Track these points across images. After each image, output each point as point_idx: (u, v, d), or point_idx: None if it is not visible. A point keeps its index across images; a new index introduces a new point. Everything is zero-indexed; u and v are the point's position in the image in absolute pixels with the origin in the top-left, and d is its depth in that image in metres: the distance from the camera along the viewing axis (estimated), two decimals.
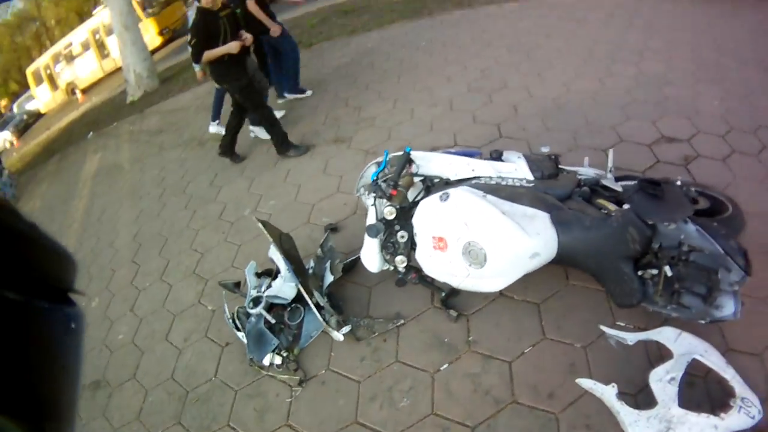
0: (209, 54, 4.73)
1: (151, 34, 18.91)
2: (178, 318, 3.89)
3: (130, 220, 6.01)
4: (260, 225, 3.13)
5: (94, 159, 9.61)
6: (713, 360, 2.33)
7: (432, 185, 2.97)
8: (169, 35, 19.90)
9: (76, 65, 22.01)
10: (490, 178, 2.89)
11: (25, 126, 24.38)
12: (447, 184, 2.91)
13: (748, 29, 6.55)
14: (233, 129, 5.65)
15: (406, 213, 2.89)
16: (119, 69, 14.19)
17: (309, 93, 7.13)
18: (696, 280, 2.43)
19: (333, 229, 3.88)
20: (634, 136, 4.30)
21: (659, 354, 2.44)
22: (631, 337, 2.57)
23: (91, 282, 5.06)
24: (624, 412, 2.25)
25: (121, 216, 6.28)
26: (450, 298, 3.02)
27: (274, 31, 6.09)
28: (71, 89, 22.41)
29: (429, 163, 3.08)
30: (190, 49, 4.89)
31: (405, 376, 2.78)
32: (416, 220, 2.78)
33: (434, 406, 2.61)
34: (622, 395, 2.35)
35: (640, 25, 6.94)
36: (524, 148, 4.36)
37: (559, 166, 3.02)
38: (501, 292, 2.98)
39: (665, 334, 2.46)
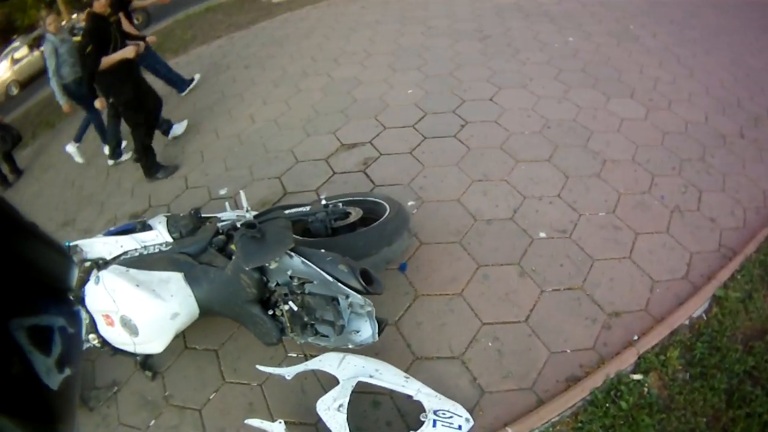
0: (107, 60, 4.44)
1: None
2: None
3: None
4: None
5: None
6: (386, 379, 2.31)
7: (98, 267, 3.08)
8: None
9: None
10: (135, 250, 3.05)
11: None
12: (106, 263, 3.04)
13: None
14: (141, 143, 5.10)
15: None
16: None
17: (198, 77, 7.12)
18: (321, 309, 2.47)
19: None
20: (311, 153, 4.46)
21: (332, 377, 2.45)
22: (288, 372, 2.58)
23: None
24: None
25: None
26: (148, 359, 3.16)
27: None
28: None
29: (92, 247, 3.22)
30: (81, 60, 4.56)
31: None
32: (87, 304, 2.92)
33: None
34: (300, 426, 2.49)
35: (341, 34, 7.27)
36: (205, 194, 4.52)
37: (202, 216, 3.20)
38: (186, 345, 3.20)
39: (326, 361, 2.46)
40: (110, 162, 5.92)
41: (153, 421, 2.98)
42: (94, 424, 3.14)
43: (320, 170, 4.23)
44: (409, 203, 3.58)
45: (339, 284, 2.33)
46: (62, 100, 5.90)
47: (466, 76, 5.14)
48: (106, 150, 6.06)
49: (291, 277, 2.47)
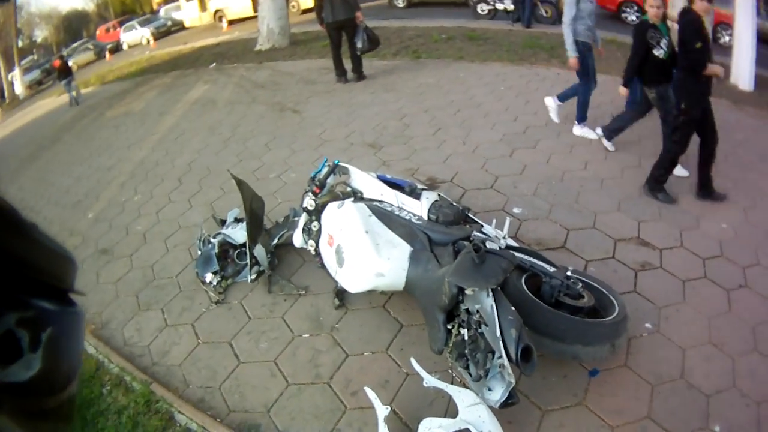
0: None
1: None
2: (180, 230, 4.95)
3: (196, 149, 7.18)
4: (234, 182, 3.78)
5: (202, 88, 10.90)
6: None
7: (354, 195, 3.49)
8: None
9: None
10: (390, 205, 3.38)
11: (166, 31, 26.92)
12: (361, 198, 3.43)
13: None
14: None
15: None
16: None
17: None
18: (479, 353, 2.55)
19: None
20: (610, 226, 4.25)
21: (456, 409, 2.51)
22: (428, 380, 2.66)
23: (145, 181, 6.39)
24: None
25: (192, 143, 7.49)
26: (345, 291, 3.42)
27: None
28: (219, 16, 24.19)
29: (357, 178, 3.71)
30: (684, 50, 4.46)
31: (277, 329, 3.49)
32: (323, 217, 3.40)
33: (278, 357, 3.27)
34: (402, 425, 2.69)
35: None
36: (499, 203, 4.60)
37: (467, 216, 3.46)
38: (384, 305, 3.49)
39: (463, 395, 2.50)
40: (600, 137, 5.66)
41: (307, 335, 3.41)
42: (261, 303, 3.75)
43: (604, 246, 4.05)
44: (646, 325, 3.35)
45: (500, 343, 2.38)
46: (571, 53, 5.71)
47: None
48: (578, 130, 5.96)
49: (477, 311, 2.56)
